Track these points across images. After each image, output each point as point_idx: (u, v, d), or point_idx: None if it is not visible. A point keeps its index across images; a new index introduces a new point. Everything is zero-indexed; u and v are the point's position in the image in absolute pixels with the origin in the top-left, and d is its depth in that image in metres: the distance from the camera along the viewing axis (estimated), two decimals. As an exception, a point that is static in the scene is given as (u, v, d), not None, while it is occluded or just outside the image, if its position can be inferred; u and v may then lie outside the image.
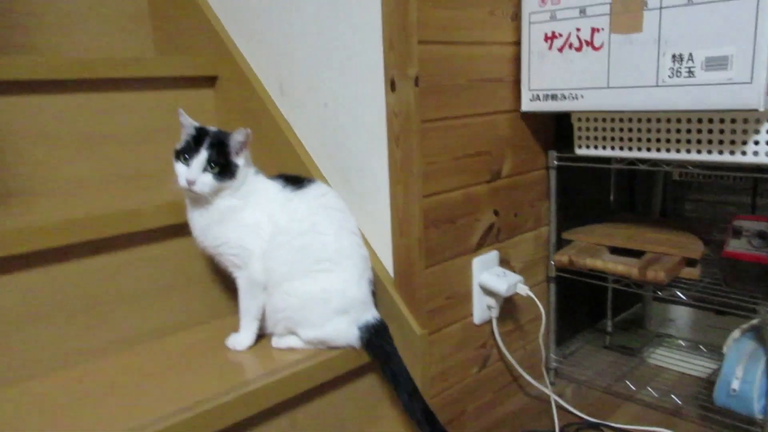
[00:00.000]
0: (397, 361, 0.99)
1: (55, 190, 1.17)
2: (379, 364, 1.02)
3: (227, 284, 1.14)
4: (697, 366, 1.36)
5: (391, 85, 1.00)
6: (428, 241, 1.04)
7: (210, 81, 1.32)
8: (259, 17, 1.23)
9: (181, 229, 1.05)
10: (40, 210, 1.04)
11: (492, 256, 1.19)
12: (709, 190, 1.53)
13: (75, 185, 1.19)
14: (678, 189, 1.58)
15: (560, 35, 1.09)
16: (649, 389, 1.28)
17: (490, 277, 1.16)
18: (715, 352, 1.38)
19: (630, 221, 1.41)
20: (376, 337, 1.00)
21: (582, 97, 1.08)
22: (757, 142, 0.98)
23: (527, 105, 1.17)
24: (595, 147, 1.18)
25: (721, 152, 1.02)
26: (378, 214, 1.08)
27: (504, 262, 1.22)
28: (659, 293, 1.37)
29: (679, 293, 1.20)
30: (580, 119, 1.19)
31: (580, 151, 1.20)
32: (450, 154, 1.06)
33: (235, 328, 1.03)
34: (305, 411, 0.98)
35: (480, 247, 1.16)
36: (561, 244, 1.32)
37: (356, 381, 1.05)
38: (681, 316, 1.55)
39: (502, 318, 1.23)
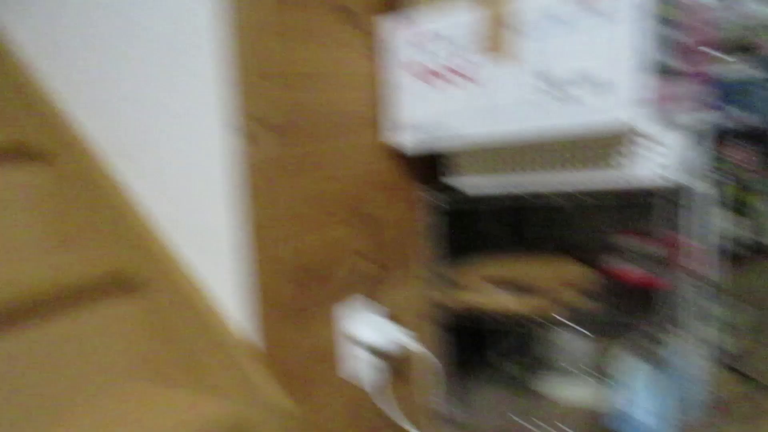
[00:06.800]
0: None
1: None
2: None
3: None
4: (589, 394, 1.31)
5: (245, 136, 0.91)
6: (294, 299, 0.96)
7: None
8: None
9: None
10: None
11: (365, 304, 1.11)
12: (600, 216, 1.51)
13: None
14: (567, 216, 1.56)
15: (429, 66, 1.05)
16: (559, 424, 1.21)
17: (366, 329, 1.07)
18: (607, 378, 1.34)
19: (515, 254, 1.37)
20: None
21: (455, 128, 1.04)
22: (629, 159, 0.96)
23: (397, 141, 1.11)
24: (475, 183, 1.14)
25: (598, 174, 0.99)
26: (223, 272, 0.97)
27: (381, 310, 1.14)
28: (549, 324, 1.33)
29: (568, 322, 1.16)
30: (456, 153, 1.15)
31: (457, 184, 1.16)
32: (312, 201, 0.99)
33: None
34: None
35: (348, 295, 1.08)
36: (444, 283, 1.26)
37: None
38: (570, 344, 1.51)
39: (389, 374, 1.14)
